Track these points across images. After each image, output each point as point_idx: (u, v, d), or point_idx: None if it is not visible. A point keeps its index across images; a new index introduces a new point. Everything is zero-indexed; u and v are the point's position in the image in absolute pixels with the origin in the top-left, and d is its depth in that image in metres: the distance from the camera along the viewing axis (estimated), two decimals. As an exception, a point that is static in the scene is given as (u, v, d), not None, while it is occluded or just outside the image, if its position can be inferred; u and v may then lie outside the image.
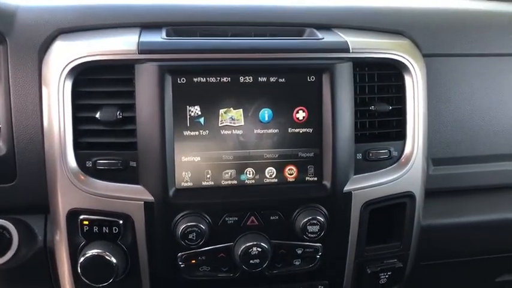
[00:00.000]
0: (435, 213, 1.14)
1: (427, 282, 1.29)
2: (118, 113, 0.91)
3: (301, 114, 0.95)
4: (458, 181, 1.19)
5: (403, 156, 1.03)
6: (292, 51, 0.93)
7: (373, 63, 0.99)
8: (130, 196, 0.91)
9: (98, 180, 0.92)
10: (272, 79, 0.93)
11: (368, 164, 0.99)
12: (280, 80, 0.93)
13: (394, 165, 1.02)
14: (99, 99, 0.91)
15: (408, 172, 1.02)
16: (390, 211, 1.04)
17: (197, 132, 0.92)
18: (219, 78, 0.92)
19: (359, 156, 0.98)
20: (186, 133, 0.92)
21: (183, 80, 0.91)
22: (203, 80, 0.91)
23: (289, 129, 0.95)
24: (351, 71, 0.95)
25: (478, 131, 1.13)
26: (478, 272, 1.29)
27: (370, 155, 1.00)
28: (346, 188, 0.97)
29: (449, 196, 1.16)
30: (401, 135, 1.02)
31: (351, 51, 0.95)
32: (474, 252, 1.21)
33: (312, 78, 0.94)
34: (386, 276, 1.03)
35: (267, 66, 0.92)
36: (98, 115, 0.90)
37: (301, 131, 0.95)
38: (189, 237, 0.91)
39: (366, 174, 1.00)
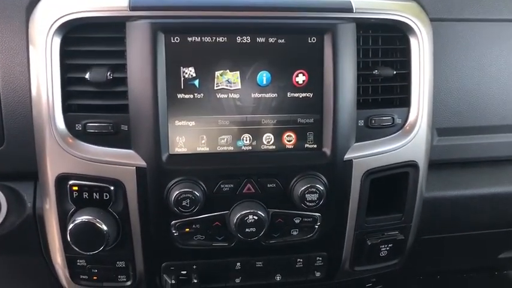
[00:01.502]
0: (439, 185, 1.12)
1: (428, 256, 1.28)
2: (108, 73, 0.87)
3: (301, 78, 0.92)
4: (464, 152, 1.15)
5: (407, 124, 0.99)
6: (293, 10, 0.89)
7: (377, 25, 0.95)
8: (122, 161, 0.89)
9: (87, 144, 0.89)
10: (271, 40, 0.89)
11: (370, 132, 0.96)
12: (279, 41, 0.89)
13: (398, 133, 0.99)
14: (89, 58, 0.87)
15: (412, 140, 0.99)
16: (392, 181, 1.01)
17: (191, 95, 0.89)
18: (214, 38, 0.88)
19: (361, 123, 0.95)
20: (179, 96, 0.89)
21: (177, 39, 0.87)
22: (198, 39, 0.88)
23: (289, 93, 0.92)
24: (354, 33, 0.92)
25: (486, 100, 1.09)
26: (480, 248, 1.29)
27: (373, 121, 0.96)
28: (347, 156, 0.94)
29: (453, 168, 1.14)
30: (405, 102, 0.99)
31: (354, 11, 0.91)
32: (478, 226, 1.19)
33: (313, 40, 0.90)
34: (387, 248, 1.01)
35: (265, 26, 0.89)
36: (87, 76, 0.87)
37: (300, 96, 0.92)
38: (183, 204, 0.88)
39: (368, 142, 0.96)
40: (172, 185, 0.90)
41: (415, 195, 1.03)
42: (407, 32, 0.97)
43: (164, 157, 0.89)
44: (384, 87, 0.98)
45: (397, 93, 0.99)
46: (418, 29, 0.97)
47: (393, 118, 0.98)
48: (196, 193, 0.88)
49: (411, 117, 0.99)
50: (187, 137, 0.91)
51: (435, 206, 1.14)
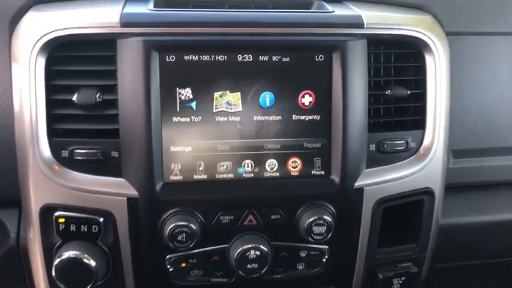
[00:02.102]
0: (454, 210, 1.05)
1: (441, 286, 1.18)
2: (98, 95, 0.82)
3: (307, 99, 0.86)
4: (481, 175, 1.08)
5: (421, 148, 0.93)
6: (298, 25, 0.84)
7: (389, 41, 0.90)
8: (112, 191, 0.83)
9: (75, 172, 0.83)
10: (275, 58, 0.84)
11: (382, 157, 0.90)
12: (284, 59, 0.84)
13: (412, 157, 0.93)
14: (77, 79, 0.82)
15: (427, 166, 0.93)
16: (405, 208, 0.95)
17: (188, 119, 0.83)
18: (213, 57, 0.82)
19: (372, 147, 0.90)
20: (175, 119, 0.83)
21: (172, 58, 0.81)
22: (195, 58, 0.82)
23: (294, 116, 0.86)
24: (365, 50, 0.86)
25: (505, 119, 1.03)
26: (497, 277, 1.23)
27: (385, 146, 0.90)
28: (357, 183, 0.88)
29: (470, 192, 1.08)
30: (420, 124, 0.93)
31: (365, 26, 0.86)
32: (494, 254, 1.13)
33: (321, 58, 0.85)
34: (400, 281, 0.95)
35: (269, 43, 0.83)
36: (75, 98, 0.82)
37: (307, 118, 0.86)
38: (178, 238, 0.82)
39: (380, 167, 0.91)
40: (166, 216, 0.84)
41: (431, 223, 0.97)
42: (422, 48, 0.91)
43: (158, 186, 0.83)
44: (397, 108, 0.92)
45: (411, 115, 0.93)
46: (434, 44, 0.91)
47: (407, 142, 0.92)
48: (193, 226, 0.82)
49: (426, 141, 0.93)
50: (183, 163, 0.84)
51: (450, 232, 1.06)
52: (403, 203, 0.93)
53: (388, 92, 0.90)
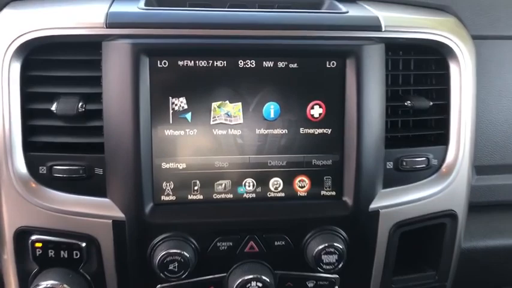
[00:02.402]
0: (478, 233, 1.00)
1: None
2: (80, 104, 0.76)
3: (317, 111, 0.80)
4: (507, 194, 1.01)
5: (444, 165, 0.87)
6: (308, 28, 0.77)
7: (409, 46, 0.84)
8: (96, 212, 0.77)
9: (54, 191, 0.77)
10: (281, 64, 0.77)
11: (400, 175, 0.84)
12: (291, 65, 0.77)
13: (433, 176, 0.87)
14: (56, 86, 0.76)
15: (450, 185, 0.86)
16: (424, 232, 0.89)
17: (182, 132, 0.77)
18: (211, 62, 0.76)
19: (389, 165, 0.83)
20: (167, 132, 0.77)
21: (165, 64, 0.75)
22: (190, 63, 0.76)
23: (301, 129, 0.80)
24: (383, 55, 0.80)
25: None
26: None
27: (404, 163, 0.84)
28: (373, 205, 0.82)
29: (495, 211, 1.03)
30: (442, 139, 0.87)
31: (383, 29, 0.79)
32: None
33: (333, 64, 0.78)
34: None
35: (274, 48, 0.77)
36: (54, 107, 0.75)
37: (316, 132, 0.80)
38: (170, 267, 0.75)
39: (398, 188, 0.84)
40: (157, 242, 0.77)
41: (452, 249, 0.90)
42: (445, 54, 0.85)
43: (147, 208, 0.77)
44: (417, 121, 0.86)
45: (433, 129, 0.88)
46: (459, 49, 0.84)
47: (428, 159, 0.85)
48: (187, 254, 0.76)
49: (449, 157, 0.87)
50: (176, 182, 0.78)
51: (472, 257, 0.99)
52: (423, 227, 0.87)
53: (408, 103, 0.83)
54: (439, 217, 0.87)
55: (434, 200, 0.85)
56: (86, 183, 0.77)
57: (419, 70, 0.86)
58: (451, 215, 0.88)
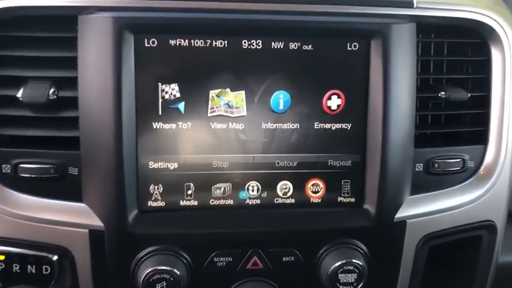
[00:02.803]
0: None
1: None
2: (52, 91, 0.69)
3: (334, 102, 0.72)
4: None
5: (482, 168, 0.80)
6: (326, 2, 0.70)
7: (443, 27, 0.77)
8: (69, 220, 0.70)
9: (19, 194, 0.71)
10: (292, 46, 0.70)
11: (431, 179, 0.78)
12: (304, 47, 0.70)
13: (469, 181, 0.80)
14: (23, 69, 0.70)
15: (489, 192, 0.79)
16: (457, 245, 0.82)
17: (174, 125, 0.70)
18: (209, 42, 0.68)
19: (419, 167, 0.77)
20: (156, 125, 0.70)
21: (153, 43, 0.68)
22: (185, 43, 0.68)
23: (316, 123, 0.73)
24: (414, 37, 0.73)
25: None
26: None
27: (435, 165, 0.77)
28: (399, 214, 0.75)
29: None
30: (480, 137, 0.80)
31: (414, 5, 0.72)
32: None
33: (354, 47, 0.71)
34: None
35: (285, 25, 0.69)
36: (20, 94, 0.69)
37: (333, 127, 0.73)
38: (157, 287, 0.68)
39: (428, 194, 0.78)
40: (142, 257, 0.70)
41: (489, 264, 0.85)
42: (487, 37, 0.77)
43: (131, 215, 0.70)
44: (450, 116, 0.80)
45: (469, 125, 0.81)
46: (504, 31, 0.76)
47: (463, 160, 0.79)
48: (177, 271, 0.69)
49: (488, 159, 0.80)
50: (166, 185, 0.72)
51: (509, 273, 0.93)
52: (455, 240, 0.81)
53: (441, 94, 0.76)
54: (475, 229, 0.81)
55: (469, 209, 0.79)
56: (58, 185, 0.71)
57: (453, 56, 0.79)
58: (489, 227, 0.81)
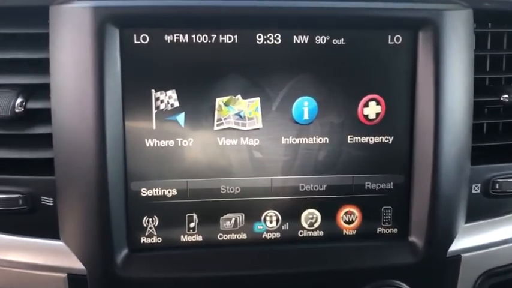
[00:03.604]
0: None
1: None
2: (19, 101, 0.59)
3: (373, 109, 0.62)
4: None
5: None
6: None
7: (503, 14, 0.67)
8: (43, 263, 0.61)
9: None
10: (319, 40, 0.59)
11: (491, 203, 0.68)
12: (335, 41, 0.60)
13: None
14: None
15: None
16: None
17: (172, 141, 0.60)
18: (215, 37, 0.58)
19: (476, 188, 0.67)
20: (149, 143, 0.60)
21: (144, 39, 0.58)
22: (184, 39, 0.58)
23: (350, 136, 0.62)
24: (471, 27, 0.62)
25: None
26: None
27: (496, 186, 0.67)
28: (453, 248, 0.66)
29: None
30: None
31: None
32: None
33: (397, 40, 0.61)
34: None
35: (310, 15, 0.59)
36: None
37: (371, 141, 0.63)
38: None
39: (487, 220, 0.68)
40: None
41: None
42: None
43: (119, 256, 0.60)
44: (509, 124, 0.70)
45: None
46: None
47: None
48: None
49: None
50: (163, 217, 0.62)
51: None
52: None
53: (504, 97, 0.65)
54: (546, 263, 0.70)
55: (539, 239, 0.66)
56: (29, 219, 0.62)
57: None
58: (562, 259, 0.71)
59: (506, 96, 0.65)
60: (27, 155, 0.61)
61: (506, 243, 0.68)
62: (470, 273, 0.68)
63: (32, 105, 0.59)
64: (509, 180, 0.67)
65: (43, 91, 0.59)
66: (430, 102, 0.60)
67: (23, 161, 0.61)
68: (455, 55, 0.60)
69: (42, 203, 0.61)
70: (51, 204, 0.61)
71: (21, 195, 0.60)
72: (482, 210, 0.67)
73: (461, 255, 0.66)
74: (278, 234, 0.63)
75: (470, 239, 0.66)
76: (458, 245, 0.65)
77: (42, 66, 0.59)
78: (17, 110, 0.58)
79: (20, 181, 0.60)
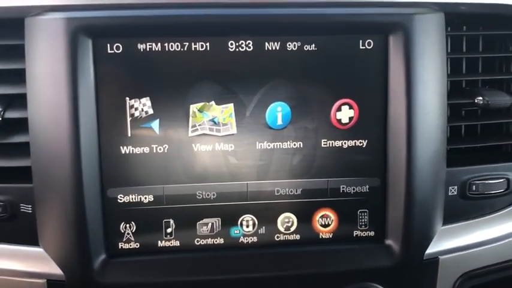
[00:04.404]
0: None
1: None
2: None
3: (346, 113, 0.61)
4: None
5: None
6: None
7: (477, 17, 0.67)
8: (23, 269, 0.61)
9: None
10: (291, 46, 0.59)
11: (468, 205, 0.67)
12: (306, 47, 0.60)
13: None
14: None
15: None
16: (501, 284, 0.75)
17: (147, 148, 0.60)
18: (187, 45, 0.58)
19: (453, 190, 0.66)
20: (124, 150, 0.60)
21: (118, 48, 0.58)
22: (157, 47, 0.58)
23: (324, 141, 0.62)
24: (443, 30, 0.62)
25: None
26: None
27: (473, 188, 0.66)
28: (430, 250, 0.65)
29: None
30: None
31: None
32: None
33: (368, 45, 0.61)
34: None
35: (281, 21, 0.59)
36: None
37: (345, 145, 0.62)
38: None
39: (465, 222, 0.67)
40: None
41: None
42: None
43: (97, 261, 0.60)
44: (488, 126, 0.69)
45: None
46: None
47: (508, 180, 0.67)
48: None
49: None
50: (140, 223, 0.62)
51: None
52: (501, 279, 0.70)
53: (479, 99, 0.64)
54: (524, 264, 0.69)
55: (516, 241, 0.65)
56: (8, 226, 0.61)
57: (491, 52, 0.69)
58: (540, 261, 0.70)
59: (481, 98, 0.64)
60: (6, 164, 0.60)
61: (484, 244, 0.67)
62: (448, 275, 0.67)
63: (10, 114, 0.59)
64: (486, 182, 0.66)
65: (20, 101, 0.59)
66: (402, 106, 0.59)
67: (3, 169, 0.60)
68: (426, 58, 0.60)
69: (22, 210, 0.60)
70: (30, 211, 0.60)
71: (0, 203, 0.60)
72: (459, 212, 0.66)
73: (439, 257, 0.65)
74: (255, 239, 0.62)
75: (448, 241, 0.65)
76: (435, 247, 0.65)
77: (19, 76, 0.59)
78: (-5, 120, 0.56)
79: (0, 189, 0.60)
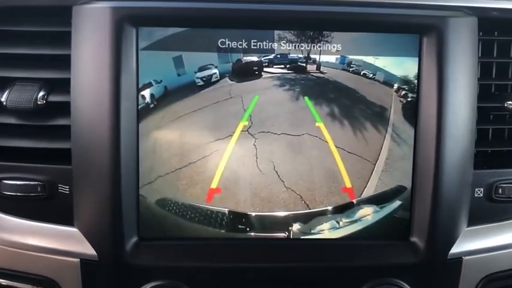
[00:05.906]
0: None
1: None
2: (41, 95, 0.61)
3: None
4: None
5: None
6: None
7: (507, 22, 0.67)
8: (58, 247, 0.63)
9: (1, 215, 0.64)
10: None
11: (493, 207, 0.67)
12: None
13: None
14: (9, 68, 0.63)
15: None
16: None
17: None
18: None
19: (479, 192, 0.67)
20: (162, 135, 0.60)
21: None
22: None
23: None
24: (475, 34, 0.63)
25: None
26: None
27: (499, 190, 0.67)
28: (454, 250, 0.66)
29: None
30: None
31: None
32: None
33: None
34: None
35: (320, 17, 0.59)
36: (4, 98, 0.62)
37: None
38: None
39: (490, 225, 0.68)
40: None
41: None
42: None
43: (129, 244, 0.62)
44: None
45: None
46: None
47: None
48: None
49: None
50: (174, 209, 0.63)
51: None
52: None
53: (509, 104, 0.65)
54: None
55: (542, 244, 0.66)
56: (45, 206, 0.63)
57: None
58: None
59: (511, 103, 0.64)
60: (47, 145, 0.62)
61: (508, 248, 0.67)
62: (471, 276, 0.67)
63: (53, 98, 0.61)
64: (511, 184, 0.66)
65: (64, 85, 0.61)
66: (432, 107, 0.60)
67: (43, 150, 0.62)
68: (458, 61, 0.61)
69: (59, 190, 0.62)
70: (67, 192, 0.62)
71: (39, 183, 0.61)
72: (484, 214, 0.67)
73: (463, 257, 0.66)
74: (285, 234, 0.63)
75: (472, 242, 0.66)
76: (459, 247, 0.65)
77: (64, 62, 0.60)
78: (39, 103, 0.60)
79: (39, 169, 0.62)
